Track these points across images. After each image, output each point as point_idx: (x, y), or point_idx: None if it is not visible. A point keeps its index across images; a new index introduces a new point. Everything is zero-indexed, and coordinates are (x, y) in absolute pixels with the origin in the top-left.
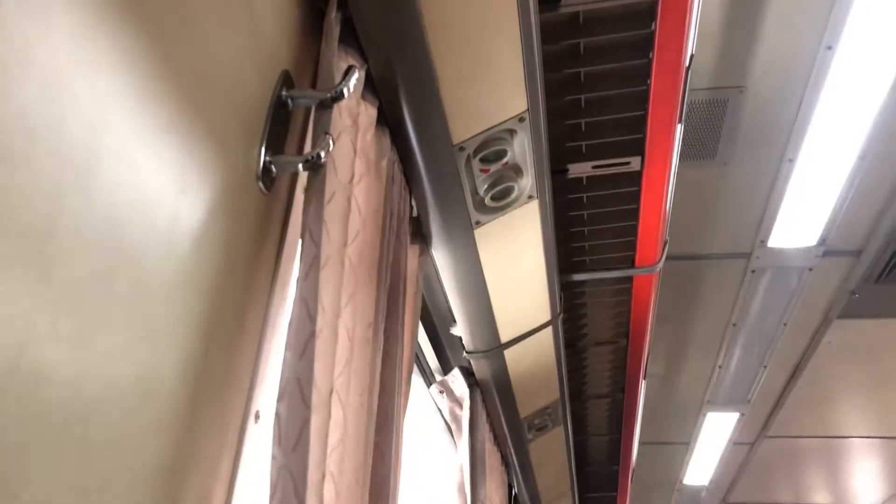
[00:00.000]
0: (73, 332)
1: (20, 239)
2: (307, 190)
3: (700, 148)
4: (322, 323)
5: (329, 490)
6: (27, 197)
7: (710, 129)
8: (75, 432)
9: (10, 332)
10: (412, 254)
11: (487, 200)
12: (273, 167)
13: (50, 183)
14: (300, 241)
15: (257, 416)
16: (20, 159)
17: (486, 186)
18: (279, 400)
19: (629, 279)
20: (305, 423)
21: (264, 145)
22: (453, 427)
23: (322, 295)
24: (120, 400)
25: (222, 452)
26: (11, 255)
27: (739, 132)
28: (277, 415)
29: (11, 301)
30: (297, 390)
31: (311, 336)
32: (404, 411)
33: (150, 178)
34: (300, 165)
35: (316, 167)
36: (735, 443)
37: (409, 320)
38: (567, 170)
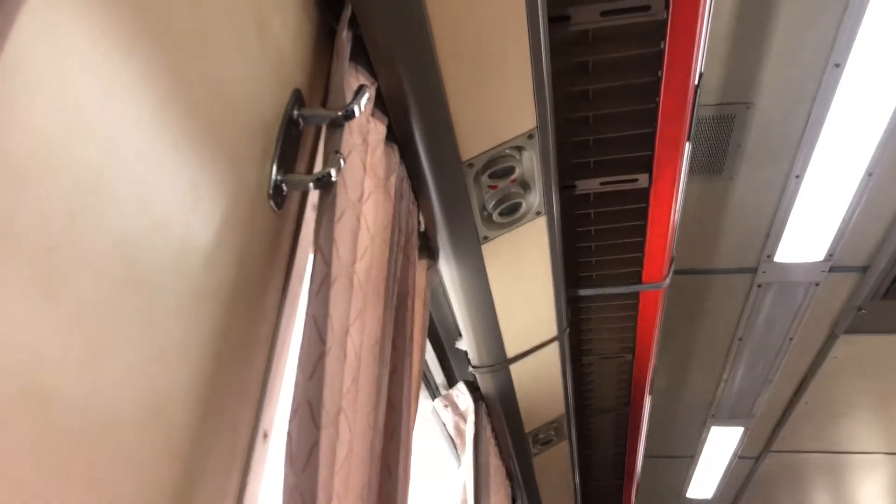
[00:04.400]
0: (82, 353)
1: (30, 260)
2: (318, 208)
3: (707, 163)
4: (331, 341)
5: None
6: (39, 217)
7: (718, 145)
8: (85, 455)
9: (20, 355)
10: (420, 269)
11: (495, 216)
12: (284, 185)
13: (63, 203)
14: (310, 258)
15: (265, 436)
16: (34, 180)
17: (494, 202)
18: (290, 420)
19: (636, 295)
20: (315, 444)
21: (276, 164)
22: (457, 441)
23: (331, 313)
24: (129, 421)
25: (230, 472)
26: (22, 276)
27: (746, 148)
28: (289, 435)
29: (21, 323)
30: (308, 411)
31: (322, 356)
32: (413, 426)
33: (163, 197)
34: (311, 184)
35: (327, 186)
36: (740, 457)
37: (416, 335)
38: (575, 186)
